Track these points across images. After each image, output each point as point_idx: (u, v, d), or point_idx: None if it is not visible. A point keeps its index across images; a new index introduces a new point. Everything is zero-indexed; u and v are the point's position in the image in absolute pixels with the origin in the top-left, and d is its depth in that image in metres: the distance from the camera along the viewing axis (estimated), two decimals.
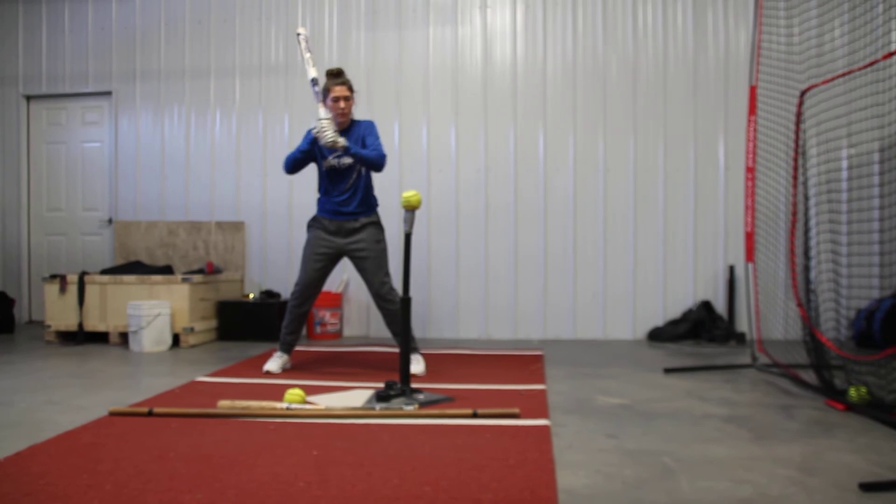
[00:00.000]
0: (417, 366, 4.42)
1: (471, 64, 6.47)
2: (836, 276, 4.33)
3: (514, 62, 6.42)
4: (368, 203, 4.49)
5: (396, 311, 4.24)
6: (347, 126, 4.42)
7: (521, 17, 6.43)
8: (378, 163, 4.30)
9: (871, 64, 3.80)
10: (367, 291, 4.58)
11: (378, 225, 4.51)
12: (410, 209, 3.66)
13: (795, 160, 4.51)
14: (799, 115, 4.45)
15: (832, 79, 4.23)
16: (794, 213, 4.53)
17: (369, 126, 4.45)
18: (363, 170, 4.42)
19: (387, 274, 4.45)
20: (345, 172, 4.38)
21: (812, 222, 4.60)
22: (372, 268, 4.41)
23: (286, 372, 4.50)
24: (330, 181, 4.43)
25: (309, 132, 4.34)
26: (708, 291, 6.17)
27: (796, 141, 4.49)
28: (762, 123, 4.82)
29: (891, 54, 3.60)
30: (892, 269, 4.67)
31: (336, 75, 4.38)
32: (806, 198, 4.53)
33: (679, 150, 6.22)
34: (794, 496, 2.23)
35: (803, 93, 4.44)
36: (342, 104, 4.32)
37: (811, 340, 4.14)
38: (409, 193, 3.65)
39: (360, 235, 4.42)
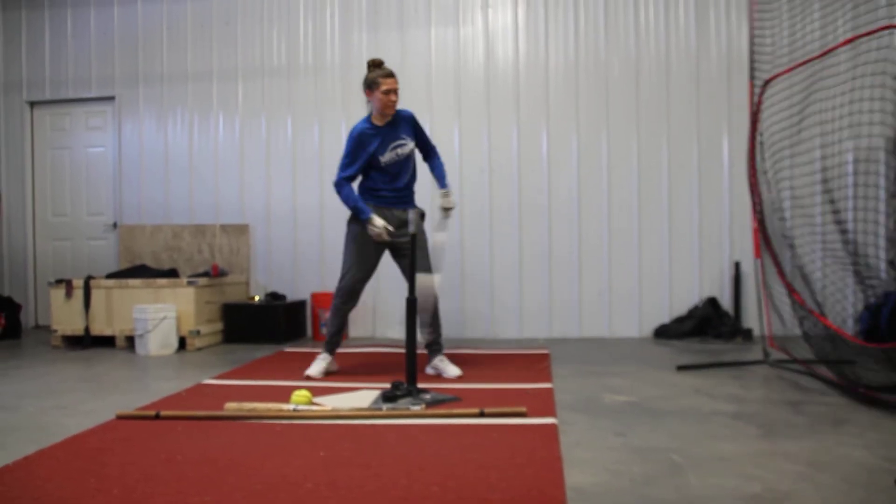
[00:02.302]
0: (452, 368, 4.36)
1: (473, 64, 6.47)
2: (843, 271, 4.33)
3: (517, 61, 6.41)
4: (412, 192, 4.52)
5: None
6: (391, 118, 4.35)
7: (522, 17, 6.42)
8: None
9: (827, 52, 3.86)
10: (371, 292, 4.50)
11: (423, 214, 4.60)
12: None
13: (752, 150, 4.54)
14: (759, 104, 4.49)
15: (789, 70, 4.27)
16: (755, 209, 4.53)
17: (413, 120, 4.43)
18: (414, 157, 4.47)
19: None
20: (404, 163, 4.38)
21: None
22: (422, 255, 4.35)
23: (292, 374, 4.47)
24: (389, 173, 4.37)
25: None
26: (714, 288, 6.16)
27: (753, 130, 4.52)
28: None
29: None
30: None
31: (380, 66, 4.30)
32: (768, 184, 4.55)
33: (682, 148, 6.20)
34: (803, 492, 2.22)
35: (766, 82, 4.47)
36: (393, 97, 4.25)
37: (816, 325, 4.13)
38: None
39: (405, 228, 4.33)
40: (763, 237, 4.49)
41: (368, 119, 4.34)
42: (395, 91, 4.25)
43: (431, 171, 4.53)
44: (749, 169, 4.56)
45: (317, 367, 4.37)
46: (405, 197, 4.44)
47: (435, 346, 4.41)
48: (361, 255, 4.36)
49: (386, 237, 4.26)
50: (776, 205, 4.47)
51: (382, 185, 4.37)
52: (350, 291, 4.38)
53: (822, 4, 5.34)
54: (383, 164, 4.31)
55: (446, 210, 4.36)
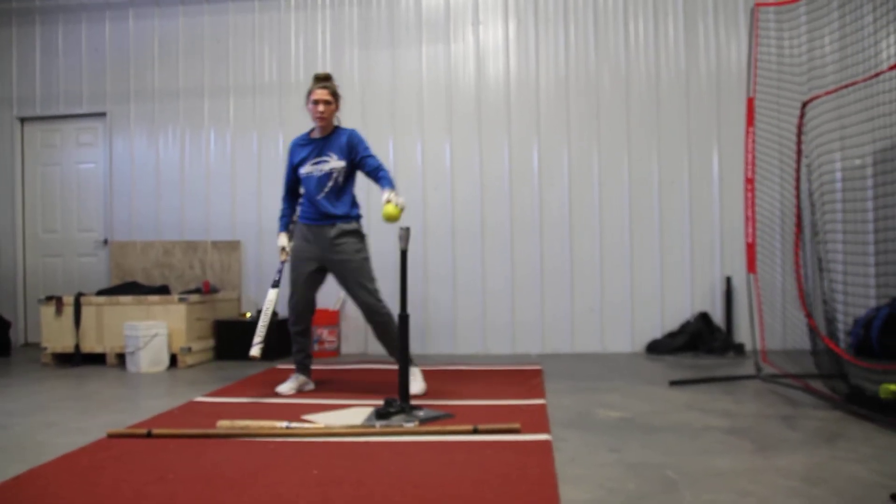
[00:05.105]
0: (416, 384, 4.20)
1: (464, 80, 6.50)
2: (832, 284, 4.34)
3: (507, 78, 6.45)
4: (348, 210, 4.31)
5: (386, 323, 4.20)
6: (329, 132, 4.29)
7: (513, 33, 6.46)
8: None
9: (876, 76, 3.83)
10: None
11: (358, 233, 4.31)
12: (390, 221, 3.83)
13: (798, 171, 4.51)
14: (800, 126, 4.46)
15: (836, 90, 4.24)
16: (798, 225, 4.52)
17: (356, 138, 4.26)
18: (340, 177, 4.24)
19: (371, 283, 4.24)
20: (322, 178, 4.24)
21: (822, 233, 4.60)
22: (353, 278, 4.24)
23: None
24: (307, 187, 4.31)
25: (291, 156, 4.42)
26: (705, 303, 6.17)
27: (798, 152, 4.50)
28: (759, 134, 4.84)
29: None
30: (887, 279, 4.69)
31: (319, 79, 4.26)
32: (813, 206, 4.53)
33: (673, 163, 6.24)
34: None
35: (805, 104, 4.46)
36: (321, 107, 4.17)
37: (826, 351, 4.11)
38: (387, 209, 3.82)
39: (340, 245, 4.23)
40: (797, 259, 4.49)
41: (308, 132, 4.38)
42: (322, 101, 4.17)
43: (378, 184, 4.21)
44: (794, 191, 4.55)
45: (287, 385, 4.37)
46: (327, 215, 4.24)
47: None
48: (293, 274, 4.38)
49: (282, 257, 4.42)
50: (817, 227, 4.44)
51: (305, 199, 4.37)
52: (292, 312, 4.41)
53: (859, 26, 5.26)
54: (302, 175, 4.31)
55: (391, 210, 3.91)
